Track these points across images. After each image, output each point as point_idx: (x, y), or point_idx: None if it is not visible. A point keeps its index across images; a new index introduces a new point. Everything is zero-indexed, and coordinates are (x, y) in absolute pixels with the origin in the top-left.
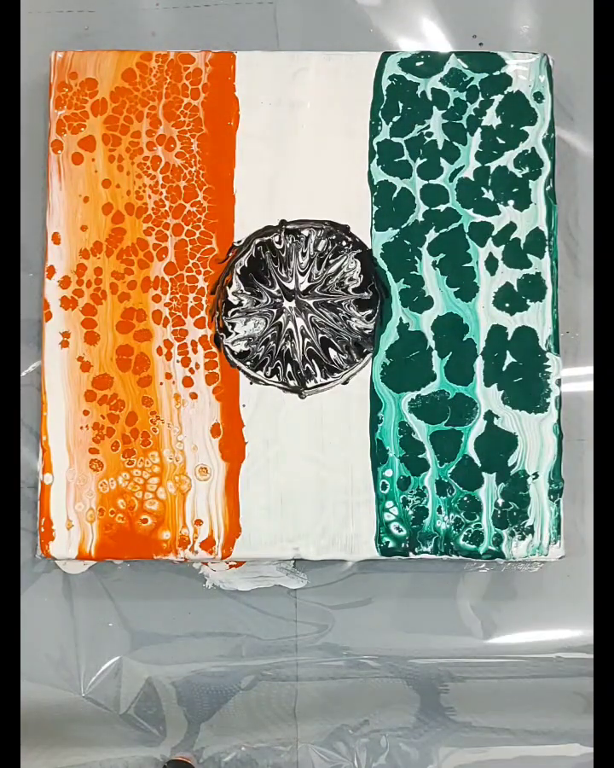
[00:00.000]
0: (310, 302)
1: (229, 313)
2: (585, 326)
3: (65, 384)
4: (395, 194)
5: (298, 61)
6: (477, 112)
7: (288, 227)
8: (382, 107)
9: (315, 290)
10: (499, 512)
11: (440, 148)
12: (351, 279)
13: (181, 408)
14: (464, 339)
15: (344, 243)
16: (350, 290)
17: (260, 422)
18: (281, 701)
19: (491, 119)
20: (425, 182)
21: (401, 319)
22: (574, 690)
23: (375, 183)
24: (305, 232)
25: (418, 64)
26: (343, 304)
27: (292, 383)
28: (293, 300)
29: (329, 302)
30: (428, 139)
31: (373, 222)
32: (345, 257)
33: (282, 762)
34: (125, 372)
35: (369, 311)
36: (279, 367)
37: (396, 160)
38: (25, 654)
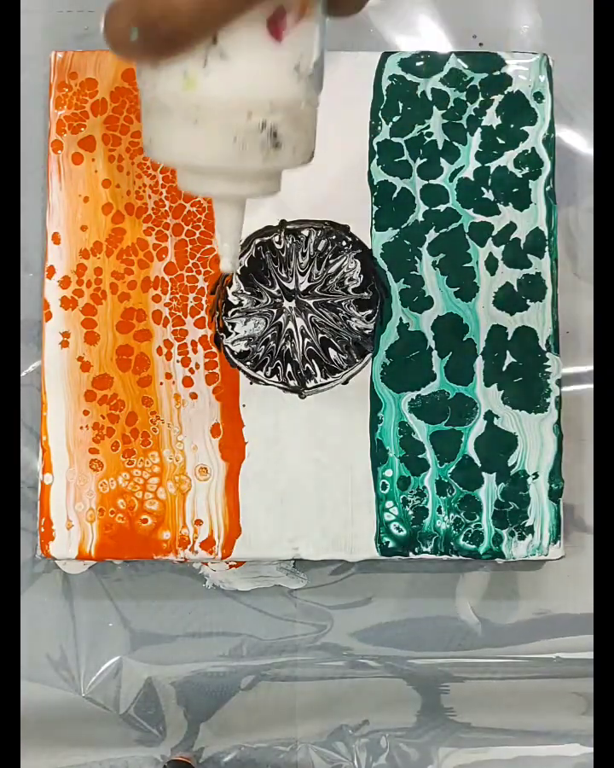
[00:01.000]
0: (310, 302)
1: (229, 313)
2: (585, 326)
3: (65, 384)
4: (395, 194)
5: None
6: (477, 112)
7: (288, 227)
8: (382, 107)
9: (315, 290)
10: (499, 512)
11: (440, 148)
12: (351, 279)
13: (181, 408)
14: (464, 339)
15: (344, 243)
16: (350, 290)
17: (260, 422)
18: (281, 701)
19: (491, 119)
20: (425, 182)
21: (401, 319)
22: (574, 690)
23: (375, 183)
24: (305, 232)
25: (418, 64)
26: (343, 304)
27: (293, 383)
28: (293, 300)
29: (329, 302)
30: (428, 139)
31: (373, 222)
32: (345, 257)
33: (282, 762)
34: (125, 372)
35: (369, 311)
36: (279, 367)
37: (396, 160)
38: (25, 654)
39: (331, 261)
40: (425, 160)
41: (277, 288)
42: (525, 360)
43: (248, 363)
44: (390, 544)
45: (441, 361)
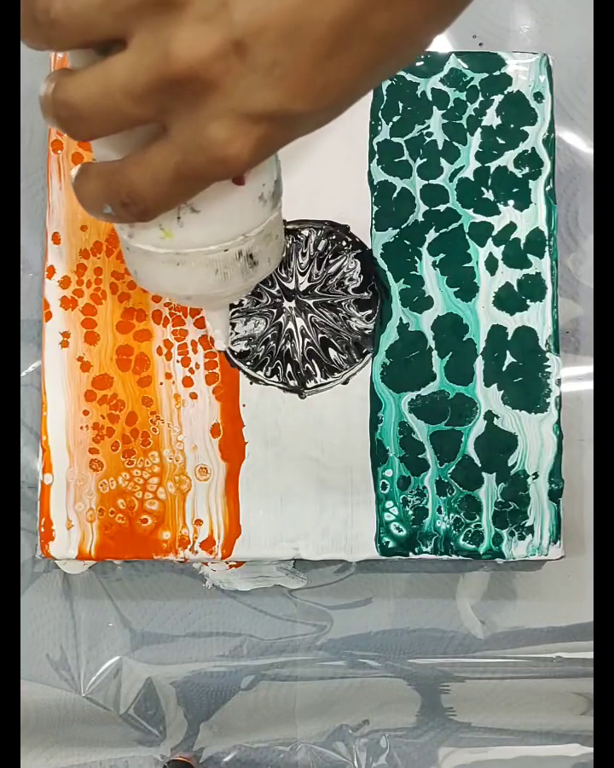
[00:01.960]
0: (310, 302)
1: (230, 313)
2: (585, 326)
3: (65, 384)
4: (395, 194)
5: None
6: (478, 112)
7: (288, 227)
8: (382, 107)
9: (315, 290)
10: (499, 512)
11: (440, 148)
12: (351, 279)
13: (181, 408)
14: (464, 339)
15: (344, 243)
16: (350, 290)
17: (260, 422)
18: (281, 701)
19: (491, 119)
20: (425, 182)
21: (401, 319)
22: (574, 690)
23: (375, 183)
24: (305, 232)
25: (418, 64)
26: (343, 304)
27: (293, 383)
28: (293, 300)
29: (329, 302)
30: (428, 139)
31: (373, 222)
32: (345, 257)
33: (282, 762)
34: (125, 372)
35: (369, 311)
36: (279, 367)
37: (396, 160)
38: (25, 654)
39: (331, 261)
40: (425, 160)
41: (277, 288)
42: (525, 360)
43: (248, 363)
44: (390, 544)
45: (441, 361)
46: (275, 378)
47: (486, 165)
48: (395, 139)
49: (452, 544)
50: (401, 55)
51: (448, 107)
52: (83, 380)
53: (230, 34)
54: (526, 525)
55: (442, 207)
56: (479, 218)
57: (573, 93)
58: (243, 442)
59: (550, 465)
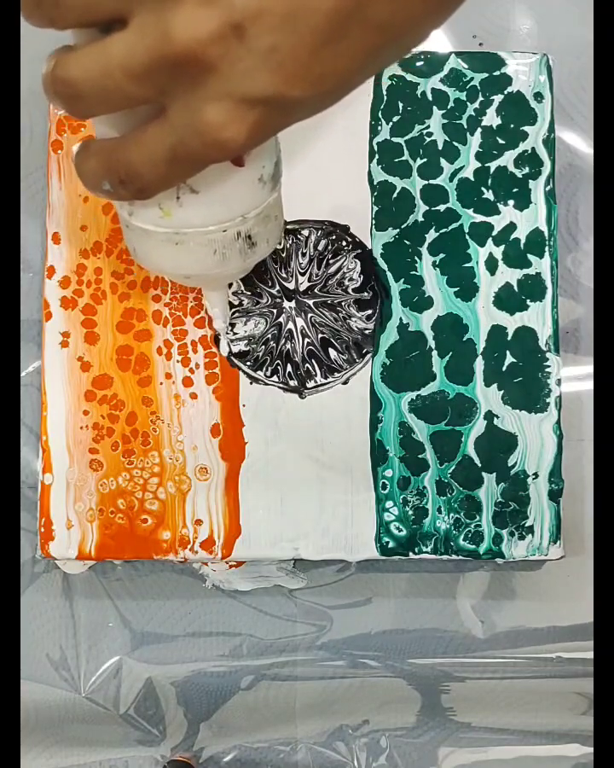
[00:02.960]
0: (310, 302)
1: (230, 313)
2: (585, 326)
3: (65, 384)
4: (395, 194)
5: None
6: (478, 112)
7: (288, 227)
8: (382, 107)
9: (315, 290)
10: (499, 512)
11: (440, 148)
12: (351, 279)
13: (181, 408)
14: (464, 339)
15: (344, 243)
16: (350, 290)
17: (260, 422)
18: (281, 701)
19: (491, 119)
20: (425, 182)
21: (401, 319)
22: (574, 690)
23: (375, 183)
24: (305, 232)
25: (418, 64)
26: (343, 304)
27: (293, 383)
28: (293, 300)
29: (329, 302)
30: (428, 139)
31: (373, 222)
32: (345, 257)
33: (282, 762)
34: (125, 372)
35: (369, 311)
36: (279, 367)
37: (397, 160)
38: (25, 654)
39: (331, 261)
40: (425, 160)
41: (277, 287)
42: (525, 360)
43: (248, 363)
44: (391, 544)
45: (441, 361)
46: (275, 378)
47: (486, 165)
48: (395, 139)
49: (452, 543)
50: (400, 45)
51: (448, 107)
52: (83, 380)
53: (230, 17)
54: (526, 525)
55: (442, 207)
56: (479, 218)
57: (573, 93)
58: (243, 442)
59: (550, 465)
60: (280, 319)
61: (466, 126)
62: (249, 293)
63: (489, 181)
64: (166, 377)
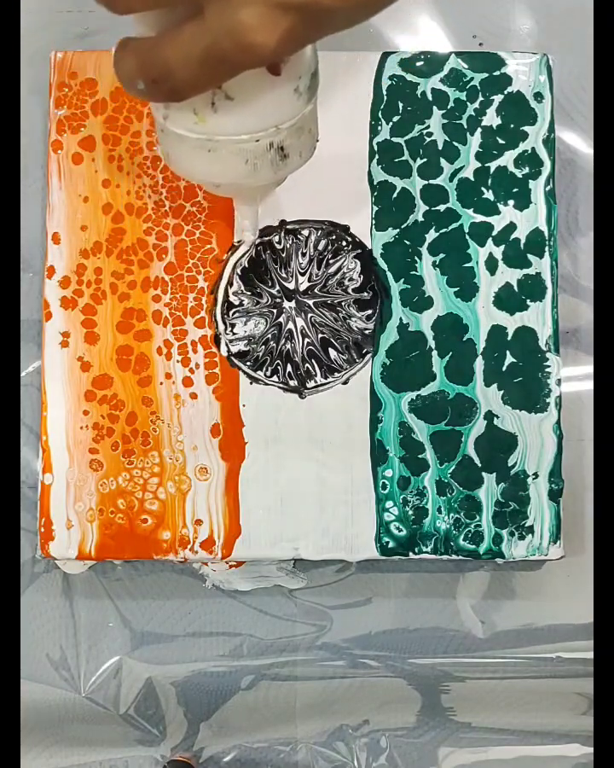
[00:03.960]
0: (310, 302)
1: (230, 313)
2: (585, 326)
3: (65, 384)
4: (395, 194)
5: None
6: (478, 112)
7: (288, 227)
8: (382, 107)
9: (315, 290)
10: (499, 512)
11: (440, 148)
12: (351, 279)
13: (181, 408)
14: (464, 339)
15: (344, 243)
16: (350, 290)
17: (260, 422)
18: (281, 701)
19: (491, 119)
20: (425, 182)
21: (401, 319)
22: (574, 690)
23: (375, 183)
24: (305, 232)
25: (418, 64)
26: (343, 304)
27: (293, 383)
28: (293, 300)
29: (329, 302)
30: (428, 139)
31: (373, 222)
32: (345, 257)
33: (282, 762)
34: (125, 372)
35: (369, 311)
36: (279, 367)
37: (396, 160)
38: (25, 654)
39: (331, 261)
40: (425, 160)
41: (277, 288)
42: (525, 360)
43: (248, 363)
44: (391, 544)
45: (441, 361)
46: (275, 378)
47: (486, 165)
48: (395, 139)
49: (452, 543)
50: None
51: (448, 107)
52: (83, 380)
53: None
54: (526, 525)
55: (442, 207)
56: (479, 218)
57: (573, 93)
58: (243, 442)
59: (550, 465)
60: (281, 319)
61: (466, 126)
62: (249, 293)
63: (489, 181)
64: (166, 377)
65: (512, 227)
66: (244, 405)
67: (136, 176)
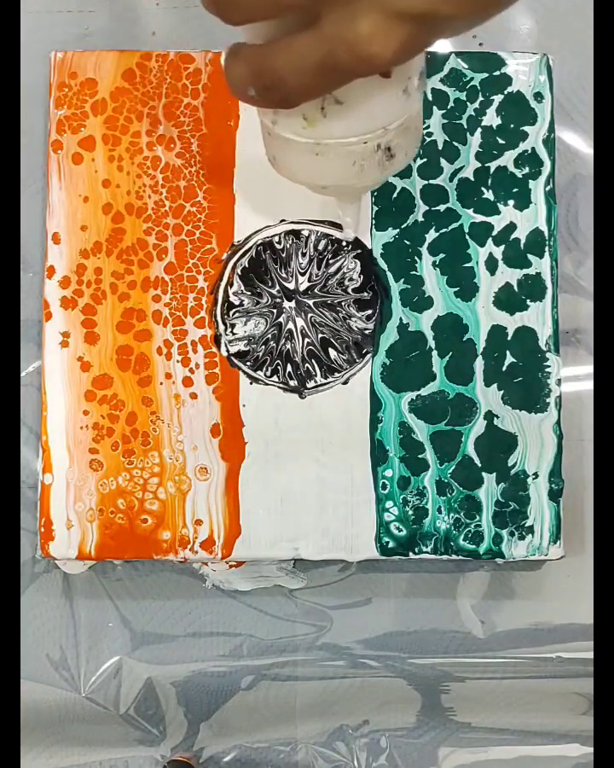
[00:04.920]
0: (310, 302)
1: (230, 313)
2: (585, 326)
3: (65, 384)
4: (395, 194)
5: None
6: (478, 112)
7: (288, 227)
8: None
9: (315, 290)
10: (499, 512)
11: (440, 148)
12: (351, 279)
13: (181, 408)
14: (464, 339)
15: (344, 243)
16: (350, 290)
17: (260, 422)
18: (281, 701)
19: (491, 119)
20: (425, 182)
21: (401, 319)
22: (574, 690)
23: None
24: (305, 232)
25: None
26: (343, 304)
27: (293, 383)
28: (293, 300)
29: (329, 302)
30: (428, 139)
31: (373, 222)
32: (345, 257)
33: (282, 762)
34: (125, 372)
35: (369, 311)
36: (279, 367)
37: None
38: (25, 654)
39: (331, 261)
40: (425, 160)
41: (277, 288)
42: (525, 360)
43: (248, 363)
44: (391, 544)
45: (441, 361)
46: (275, 378)
47: (486, 165)
48: None
49: (452, 543)
50: None
51: (449, 107)
52: (83, 380)
53: None
54: (526, 525)
55: (442, 207)
56: (479, 218)
57: (573, 93)
58: (243, 442)
59: (550, 465)
60: (281, 319)
61: (466, 126)
62: (249, 293)
63: (489, 181)
64: (166, 377)
65: (512, 227)
66: (244, 405)
67: (136, 176)
